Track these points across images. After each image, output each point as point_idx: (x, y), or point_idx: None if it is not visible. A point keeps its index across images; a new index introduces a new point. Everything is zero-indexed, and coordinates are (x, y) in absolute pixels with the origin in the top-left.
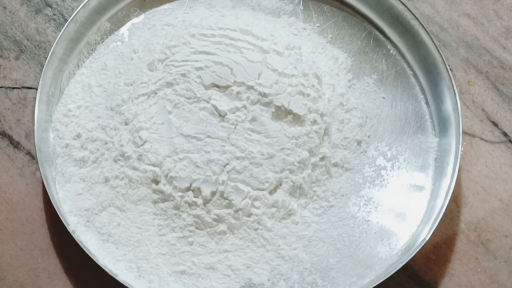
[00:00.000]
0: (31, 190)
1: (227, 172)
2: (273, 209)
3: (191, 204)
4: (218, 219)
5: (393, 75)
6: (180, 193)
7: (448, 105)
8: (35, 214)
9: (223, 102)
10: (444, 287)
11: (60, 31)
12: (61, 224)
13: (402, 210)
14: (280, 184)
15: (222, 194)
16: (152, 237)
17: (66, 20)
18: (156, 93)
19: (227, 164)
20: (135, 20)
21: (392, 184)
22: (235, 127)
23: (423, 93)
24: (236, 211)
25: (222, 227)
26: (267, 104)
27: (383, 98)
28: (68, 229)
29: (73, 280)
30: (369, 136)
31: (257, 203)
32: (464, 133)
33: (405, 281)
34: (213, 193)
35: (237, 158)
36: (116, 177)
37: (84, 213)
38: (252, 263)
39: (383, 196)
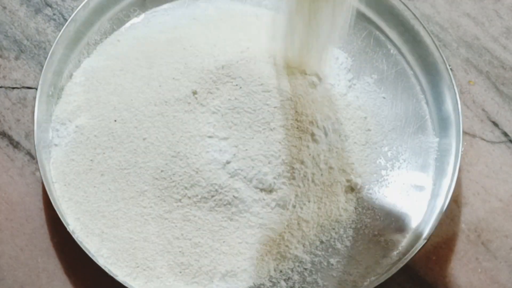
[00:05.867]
0: (31, 190)
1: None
2: None
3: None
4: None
5: (393, 75)
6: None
7: (448, 105)
8: (35, 214)
9: None
10: (444, 287)
11: (60, 31)
12: (61, 224)
13: (402, 210)
14: None
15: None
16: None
17: (66, 20)
18: None
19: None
20: (135, 20)
21: (392, 184)
22: None
23: (423, 93)
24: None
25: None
26: None
27: (384, 98)
28: (68, 229)
29: (73, 280)
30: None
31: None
32: (465, 133)
33: (405, 281)
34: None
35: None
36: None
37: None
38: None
39: (383, 196)
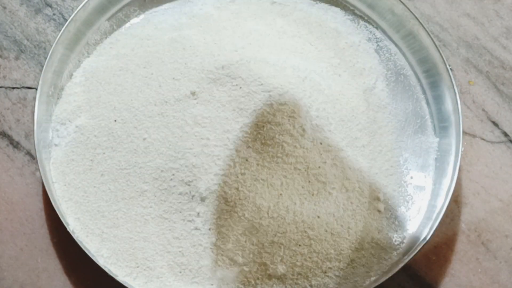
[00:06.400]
0: (31, 190)
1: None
2: None
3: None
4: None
5: (393, 75)
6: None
7: (448, 105)
8: (35, 214)
9: None
10: (444, 287)
11: (60, 31)
12: (61, 224)
13: (402, 210)
14: None
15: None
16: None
17: (66, 20)
18: None
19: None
20: (135, 20)
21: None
22: None
23: (423, 93)
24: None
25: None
26: None
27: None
28: (68, 229)
29: (73, 280)
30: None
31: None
32: (465, 133)
33: (405, 281)
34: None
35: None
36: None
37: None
38: None
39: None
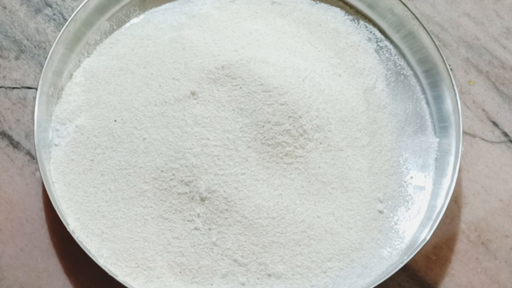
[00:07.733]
0: (31, 190)
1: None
2: None
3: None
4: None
5: (393, 75)
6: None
7: (448, 105)
8: (35, 214)
9: None
10: (444, 287)
11: (60, 31)
12: (61, 224)
13: (402, 210)
14: None
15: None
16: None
17: (66, 20)
18: None
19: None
20: (135, 20)
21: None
22: None
23: (423, 93)
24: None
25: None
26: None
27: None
28: (68, 229)
29: (73, 280)
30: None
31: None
32: (465, 133)
33: (405, 281)
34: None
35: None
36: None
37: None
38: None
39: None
